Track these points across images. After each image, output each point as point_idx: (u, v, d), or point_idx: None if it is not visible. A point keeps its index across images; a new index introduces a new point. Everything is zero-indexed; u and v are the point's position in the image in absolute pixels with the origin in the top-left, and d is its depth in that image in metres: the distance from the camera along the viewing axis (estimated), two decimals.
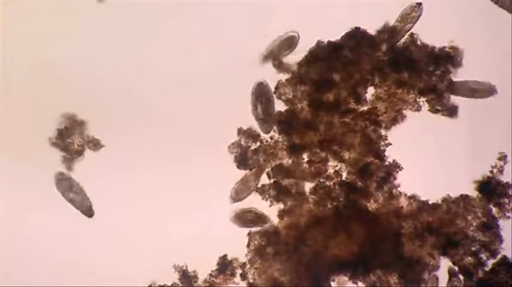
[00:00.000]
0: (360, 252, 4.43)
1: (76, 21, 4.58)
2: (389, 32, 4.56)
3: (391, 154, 4.54)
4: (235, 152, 4.61)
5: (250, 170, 4.60)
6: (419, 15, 4.55)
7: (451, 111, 4.57)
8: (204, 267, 4.53)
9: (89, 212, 4.54)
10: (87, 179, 4.58)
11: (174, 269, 4.53)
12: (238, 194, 4.57)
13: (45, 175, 4.54)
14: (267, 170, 4.59)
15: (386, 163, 4.53)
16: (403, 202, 4.53)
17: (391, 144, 4.55)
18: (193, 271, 4.54)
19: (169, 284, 4.52)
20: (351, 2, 4.52)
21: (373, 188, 4.52)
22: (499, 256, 4.47)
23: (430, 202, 4.53)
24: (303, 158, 4.57)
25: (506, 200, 4.52)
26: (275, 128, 4.58)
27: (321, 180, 4.54)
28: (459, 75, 4.56)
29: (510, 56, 4.50)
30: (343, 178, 4.55)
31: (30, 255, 4.49)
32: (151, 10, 4.59)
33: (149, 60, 4.60)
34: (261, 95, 4.59)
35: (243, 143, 4.61)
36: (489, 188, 4.52)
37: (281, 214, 4.56)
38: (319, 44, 4.58)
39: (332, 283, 4.50)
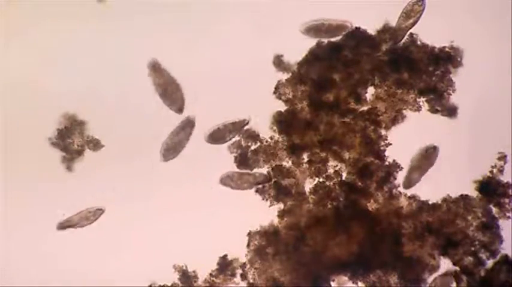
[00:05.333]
0: (360, 252, 4.43)
1: (76, 21, 4.58)
2: (393, 30, 4.56)
3: (391, 154, 4.54)
4: (235, 152, 4.60)
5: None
6: (423, 10, 4.56)
7: (451, 111, 4.57)
8: (204, 267, 4.53)
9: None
10: (87, 179, 4.57)
11: (174, 269, 4.52)
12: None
13: (45, 175, 4.54)
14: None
15: (387, 163, 4.53)
16: (403, 202, 4.53)
17: (391, 144, 4.55)
18: (193, 271, 4.53)
19: (169, 284, 4.52)
20: (351, 2, 4.53)
21: (373, 188, 4.52)
22: (499, 255, 4.47)
23: (430, 202, 4.53)
24: (303, 158, 4.57)
25: (506, 200, 4.52)
26: (275, 128, 4.58)
27: (321, 180, 4.54)
28: (459, 75, 4.57)
29: (510, 56, 4.50)
30: (343, 178, 4.55)
31: (29, 255, 4.49)
32: (152, 10, 4.59)
33: (149, 60, 4.60)
34: None
35: (243, 143, 4.61)
36: (489, 188, 4.52)
37: (281, 214, 4.56)
38: (319, 44, 4.58)
39: (332, 283, 4.50)
